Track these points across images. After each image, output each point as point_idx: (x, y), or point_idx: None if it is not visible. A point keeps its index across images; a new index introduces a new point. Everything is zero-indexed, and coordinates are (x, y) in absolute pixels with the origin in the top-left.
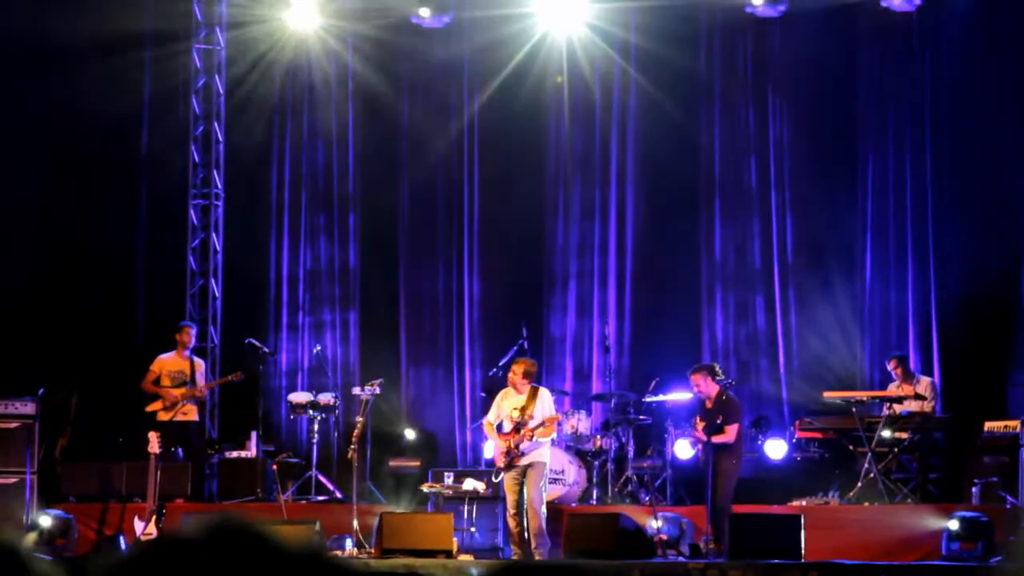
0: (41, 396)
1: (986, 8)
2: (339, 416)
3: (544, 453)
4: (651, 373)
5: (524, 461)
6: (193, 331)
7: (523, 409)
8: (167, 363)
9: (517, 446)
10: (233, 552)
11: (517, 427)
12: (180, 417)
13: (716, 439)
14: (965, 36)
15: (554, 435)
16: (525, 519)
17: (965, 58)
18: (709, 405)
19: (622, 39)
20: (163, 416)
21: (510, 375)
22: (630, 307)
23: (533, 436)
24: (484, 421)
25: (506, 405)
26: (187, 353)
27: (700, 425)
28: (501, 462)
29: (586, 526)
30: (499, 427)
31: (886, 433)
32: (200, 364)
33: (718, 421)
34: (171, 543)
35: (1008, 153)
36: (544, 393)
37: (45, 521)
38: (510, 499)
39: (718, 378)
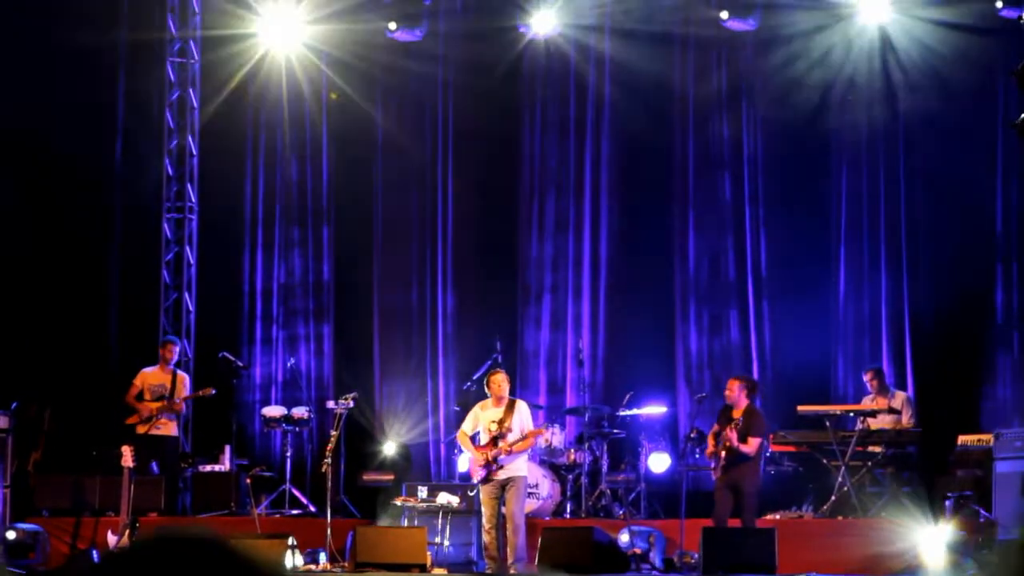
0: (14, 410)
1: (957, 22)
2: (313, 430)
3: (523, 467)
4: (625, 387)
5: (503, 475)
6: (176, 348)
7: (501, 422)
8: (149, 377)
9: (495, 459)
10: (191, 563)
11: (495, 440)
12: (156, 431)
13: (741, 447)
14: (938, 49)
15: (534, 444)
16: (501, 533)
17: (938, 71)
18: (736, 415)
19: (597, 52)
20: (140, 429)
21: (494, 386)
22: (604, 321)
23: (512, 450)
24: (458, 432)
25: (483, 417)
26: (171, 367)
27: (730, 434)
28: (478, 476)
29: (560, 540)
30: (474, 439)
31: (860, 447)
32: (184, 378)
33: (739, 428)
34: (134, 555)
35: (980, 168)
36: (521, 405)
37: (12, 535)
38: (486, 512)
39: (751, 391)
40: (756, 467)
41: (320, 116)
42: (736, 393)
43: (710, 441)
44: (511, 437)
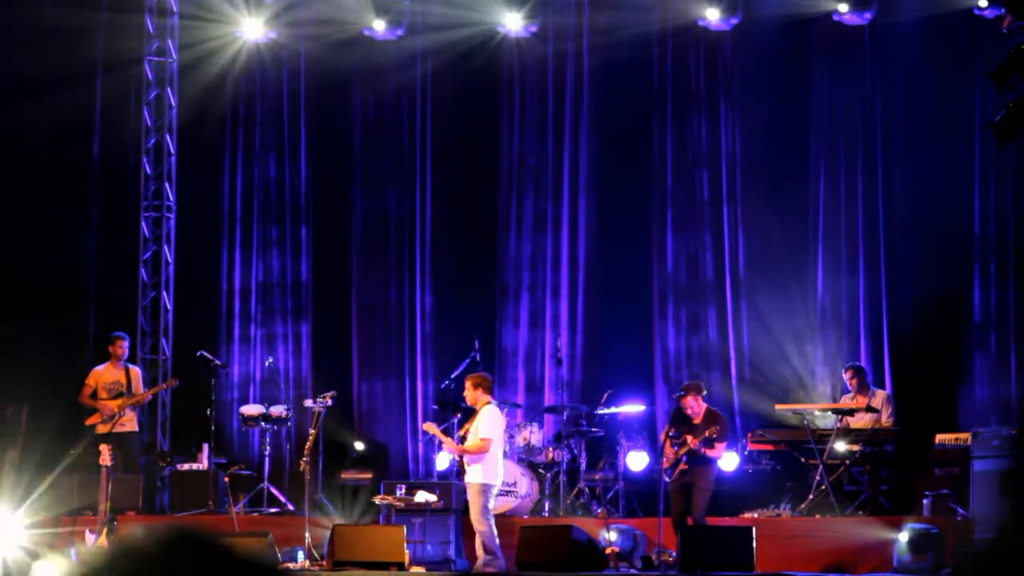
0: None
1: (935, 22)
2: (291, 428)
3: (477, 474)
4: (603, 385)
5: (467, 477)
6: (125, 343)
7: (469, 423)
8: (102, 375)
9: (461, 457)
10: (185, 562)
11: (460, 440)
12: (119, 428)
13: (708, 452)
14: (916, 49)
15: (502, 449)
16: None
17: (916, 71)
18: (697, 421)
19: (575, 51)
20: (102, 429)
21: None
22: (582, 319)
23: (456, 451)
24: None
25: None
26: (122, 363)
27: (692, 440)
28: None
29: (538, 538)
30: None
31: (838, 445)
32: (136, 371)
33: (712, 436)
34: (123, 553)
35: (958, 167)
36: (484, 411)
37: None
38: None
39: (703, 394)
40: (714, 466)
41: (298, 114)
42: (697, 404)
43: (668, 449)
44: (465, 444)
